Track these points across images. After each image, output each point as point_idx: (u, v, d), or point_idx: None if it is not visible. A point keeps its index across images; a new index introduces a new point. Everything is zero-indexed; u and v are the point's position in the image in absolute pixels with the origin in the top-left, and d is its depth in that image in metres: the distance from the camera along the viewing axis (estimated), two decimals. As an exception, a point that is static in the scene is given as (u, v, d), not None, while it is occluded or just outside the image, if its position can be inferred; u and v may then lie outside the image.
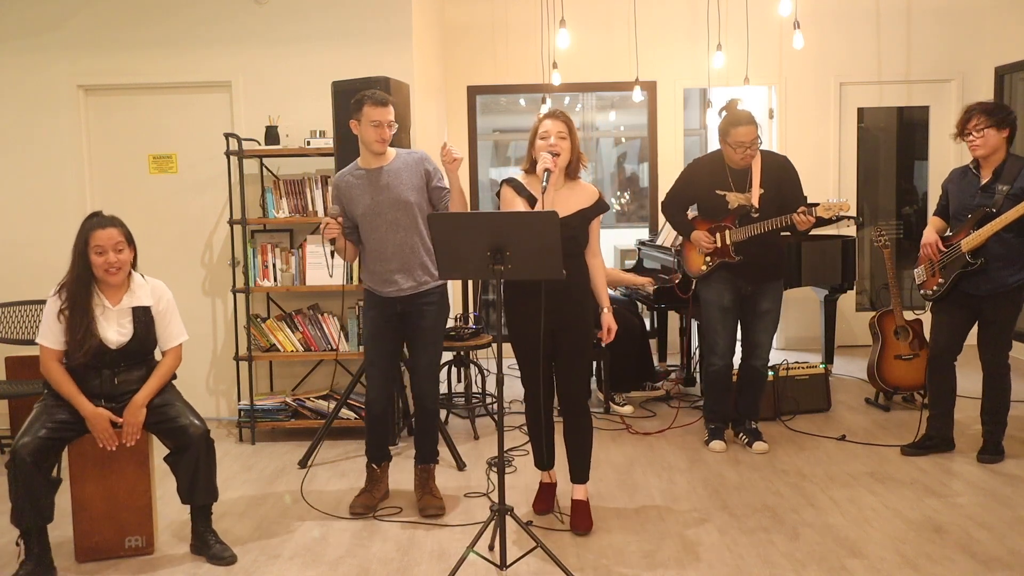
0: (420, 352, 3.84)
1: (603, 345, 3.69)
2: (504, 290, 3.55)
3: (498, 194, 3.64)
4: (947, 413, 4.37)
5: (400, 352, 3.97)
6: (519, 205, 3.49)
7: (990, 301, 4.15)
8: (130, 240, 3.41)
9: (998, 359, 4.23)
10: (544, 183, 3.37)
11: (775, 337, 4.73)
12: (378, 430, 3.90)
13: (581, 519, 3.58)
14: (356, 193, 3.75)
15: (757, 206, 4.30)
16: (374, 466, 3.94)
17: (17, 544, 3.26)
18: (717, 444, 4.53)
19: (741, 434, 4.62)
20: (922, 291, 4.37)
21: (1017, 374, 6.05)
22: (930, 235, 4.28)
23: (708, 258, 4.46)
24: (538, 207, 3.44)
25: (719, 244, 4.39)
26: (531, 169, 3.56)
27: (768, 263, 4.41)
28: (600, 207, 3.60)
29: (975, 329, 4.29)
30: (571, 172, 3.57)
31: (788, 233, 4.38)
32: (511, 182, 3.57)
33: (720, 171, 4.39)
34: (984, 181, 4.13)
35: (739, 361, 4.60)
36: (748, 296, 4.44)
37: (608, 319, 3.59)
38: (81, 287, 3.34)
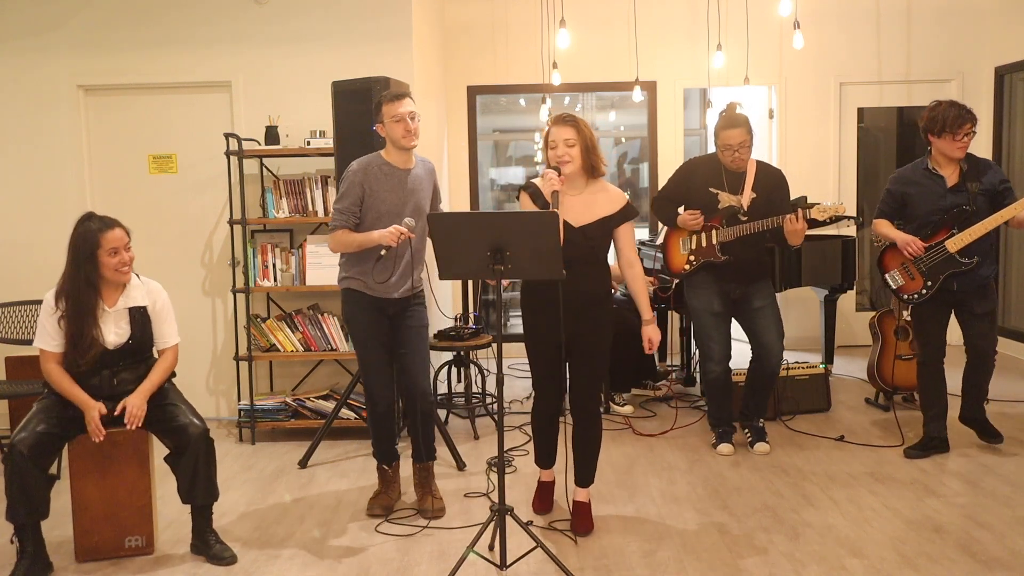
0: (413, 351, 3.83)
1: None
2: (522, 292, 3.55)
3: (517, 197, 3.60)
4: (943, 414, 4.39)
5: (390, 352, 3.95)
6: None
7: (976, 295, 4.19)
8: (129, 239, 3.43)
9: (992, 345, 4.32)
10: (555, 208, 3.27)
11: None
12: (385, 429, 3.90)
13: (582, 521, 3.57)
14: (383, 188, 3.70)
15: (746, 208, 4.31)
16: (385, 467, 3.94)
17: (12, 542, 3.27)
18: (725, 448, 4.51)
19: (747, 430, 4.61)
20: (904, 296, 4.32)
21: (1016, 374, 6.05)
22: (907, 235, 4.21)
23: (692, 257, 4.46)
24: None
25: (704, 244, 4.40)
26: None
27: (753, 264, 4.41)
28: (626, 213, 3.49)
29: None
30: (591, 173, 3.47)
31: (772, 244, 4.37)
32: (528, 188, 3.53)
33: (716, 171, 4.39)
34: (951, 182, 4.14)
35: (750, 363, 4.57)
36: (738, 299, 4.44)
37: (649, 331, 3.52)
38: (89, 292, 3.32)
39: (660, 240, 6.04)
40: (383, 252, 3.57)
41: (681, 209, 4.59)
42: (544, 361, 3.55)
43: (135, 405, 3.35)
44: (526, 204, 3.51)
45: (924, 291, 4.23)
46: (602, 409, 5.23)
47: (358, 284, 3.76)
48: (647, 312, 3.55)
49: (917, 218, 4.25)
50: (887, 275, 4.37)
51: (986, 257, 4.15)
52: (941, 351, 4.32)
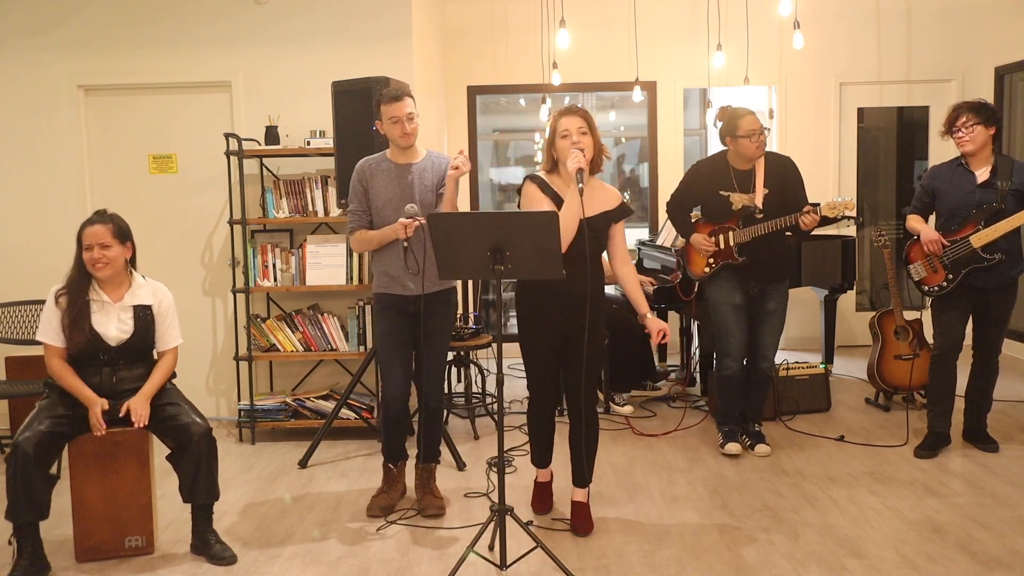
0: (429, 352, 3.82)
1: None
2: (518, 291, 3.55)
3: (518, 191, 3.59)
4: (949, 410, 4.42)
5: (413, 352, 3.94)
6: (544, 204, 3.43)
7: (997, 295, 4.23)
8: (122, 237, 3.44)
9: (998, 350, 4.37)
10: (580, 184, 3.24)
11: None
12: (397, 429, 3.89)
13: (582, 521, 3.57)
14: (381, 183, 3.73)
15: (761, 207, 4.31)
16: (391, 465, 3.94)
17: (10, 543, 3.27)
18: (733, 447, 4.49)
19: (744, 436, 4.61)
20: (925, 288, 4.37)
21: (1016, 373, 6.06)
22: (931, 231, 4.28)
23: (711, 260, 4.45)
24: (573, 207, 3.31)
25: (722, 246, 4.39)
26: (553, 169, 3.51)
27: (773, 263, 4.41)
28: (623, 211, 3.55)
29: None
30: (594, 167, 3.48)
31: (790, 233, 4.37)
32: (535, 179, 3.51)
33: (724, 172, 4.39)
34: (981, 179, 4.18)
35: (745, 364, 4.57)
36: (755, 297, 4.44)
37: (655, 323, 3.51)
38: (80, 280, 3.41)
39: (661, 240, 6.05)
40: (404, 244, 3.56)
41: (697, 211, 4.60)
42: (542, 361, 3.54)
43: (139, 406, 3.37)
44: (534, 194, 3.46)
45: (945, 283, 4.26)
46: (602, 409, 5.25)
47: (382, 285, 3.79)
48: (644, 306, 3.56)
49: (945, 212, 4.30)
50: (910, 266, 4.40)
51: (1013, 255, 4.18)
52: (956, 347, 4.34)
